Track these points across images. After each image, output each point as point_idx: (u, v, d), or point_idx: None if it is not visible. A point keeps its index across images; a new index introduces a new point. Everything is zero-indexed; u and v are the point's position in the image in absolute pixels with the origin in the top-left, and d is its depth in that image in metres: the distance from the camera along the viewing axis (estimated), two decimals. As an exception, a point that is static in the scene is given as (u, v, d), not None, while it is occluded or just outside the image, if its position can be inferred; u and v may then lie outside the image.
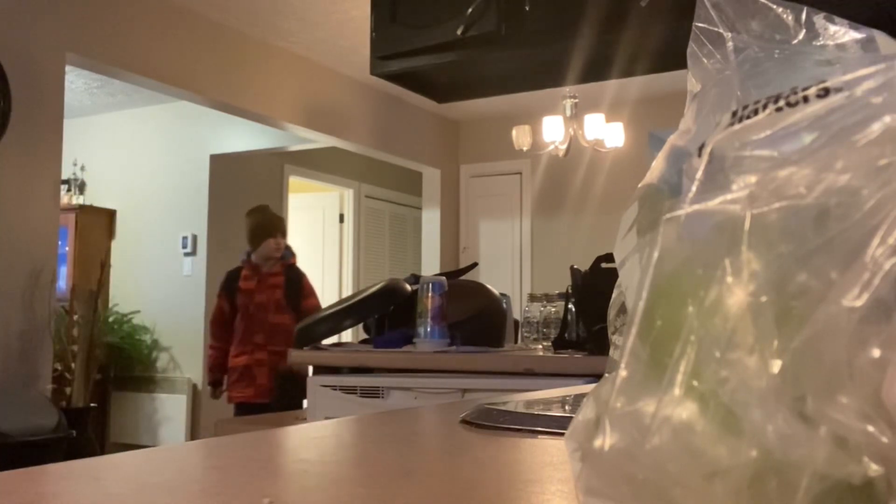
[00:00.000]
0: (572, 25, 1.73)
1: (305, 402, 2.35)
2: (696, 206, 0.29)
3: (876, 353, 0.24)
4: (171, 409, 6.45)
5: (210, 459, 0.62)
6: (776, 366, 0.25)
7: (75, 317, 5.01)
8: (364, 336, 2.90)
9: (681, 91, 0.34)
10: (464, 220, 7.73)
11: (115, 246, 6.79)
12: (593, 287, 2.23)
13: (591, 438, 0.29)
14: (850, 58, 0.30)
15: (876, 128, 0.26)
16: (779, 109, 0.29)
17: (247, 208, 4.58)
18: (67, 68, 4.41)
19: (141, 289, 6.61)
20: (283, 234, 4.43)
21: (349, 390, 2.24)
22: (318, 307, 4.17)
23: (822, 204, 0.26)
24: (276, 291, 4.29)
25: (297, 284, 4.36)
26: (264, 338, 4.23)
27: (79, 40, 4.41)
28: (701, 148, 0.30)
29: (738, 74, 0.32)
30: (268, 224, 4.38)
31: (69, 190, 6.76)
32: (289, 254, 4.46)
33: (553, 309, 2.53)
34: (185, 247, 6.58)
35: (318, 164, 7.62)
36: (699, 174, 0.30)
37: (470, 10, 1.78)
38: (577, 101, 5.67)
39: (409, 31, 1.92)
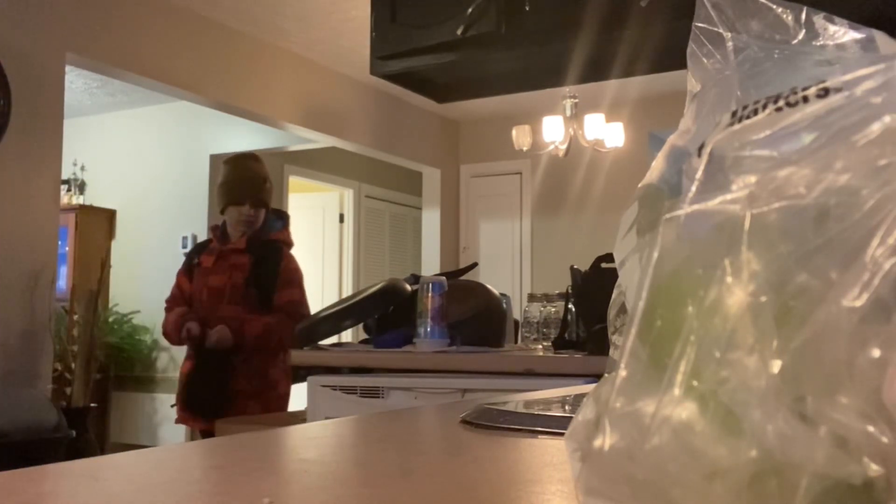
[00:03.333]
0: (572, 25, 1.73)
1: (305, 403, 2.35)
2: (696, 206, 0.29)
3: (876, 353, 0.24)
4: (172, 409, 6.44)
5: (210, 459, 0.62)
6: (776, 366, 0.25)
7: (75, 317, 5.00)
8: (364, 336, 2.90)
9: (681, 91, 0.34)
10: (464, 220, 7.73)
11: (115, 246, 6.79)
12: (593, 287, 2.23)
13: (591, 438, 0.29)
14: (850, 58, 0.30)
15: (876, 128, 0.26)
16: (779, 109, 0.29)
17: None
18: (67, 68, 4.41)
19: (141, 289, 6.60)
20: (259, 202, 3.12)
21: (349, 390, 2.24)
22: (297, 303, 3.12)
23: (821, 204, 0.26)
24: (235, 273, 3.07)
25: (270, 267, 3.07)
26: None
27: (79, 40, 4.41)
28: (701, 148, 0.30)
29: (738, 74, 0.32)
30: (236, 184, 3.14)
31: (69, 190, 6.76)
32: (277, 226, 3.21)
33: (553, 309, 2.53)
34: (185, 247, 6.57)
35: (318, 164, 7.62)
36: (699, 174, 0.30)
37: (470, 9, 1.78)
38: (577, 101, 5.66)
39: (409, 31, 1.92)
